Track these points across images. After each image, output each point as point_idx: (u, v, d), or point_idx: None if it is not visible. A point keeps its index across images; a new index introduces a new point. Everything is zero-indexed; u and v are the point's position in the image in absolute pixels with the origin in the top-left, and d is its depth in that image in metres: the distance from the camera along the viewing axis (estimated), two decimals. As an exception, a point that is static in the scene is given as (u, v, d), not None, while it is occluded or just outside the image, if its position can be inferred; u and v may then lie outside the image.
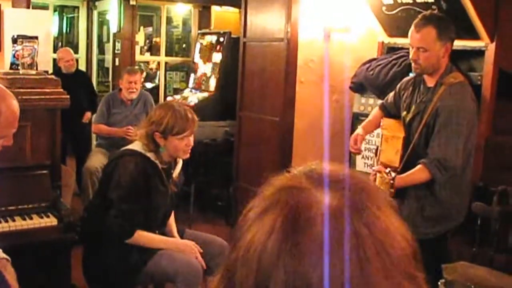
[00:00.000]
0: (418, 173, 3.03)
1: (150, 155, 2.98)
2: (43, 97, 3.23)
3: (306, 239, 0.63)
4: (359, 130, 3.51)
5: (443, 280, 2.97)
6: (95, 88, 7.25)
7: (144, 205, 2.96)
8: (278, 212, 0.66)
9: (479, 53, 3.68)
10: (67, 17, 9.30)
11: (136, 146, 3.03)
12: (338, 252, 0.62)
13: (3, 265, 2.35)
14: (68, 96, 3.26)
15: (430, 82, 3.17)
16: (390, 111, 3.47)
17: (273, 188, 0.70)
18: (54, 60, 6.24)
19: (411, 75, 3.69)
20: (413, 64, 3.15)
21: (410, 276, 0.66)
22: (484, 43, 3.62)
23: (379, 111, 3.52)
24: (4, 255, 2.43)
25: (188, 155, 3.06)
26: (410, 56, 3.15)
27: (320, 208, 0.65)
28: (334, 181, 0.68)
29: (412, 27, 3.12)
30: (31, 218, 3.10)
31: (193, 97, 7.12)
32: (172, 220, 3.36)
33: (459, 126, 3.02)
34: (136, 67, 8.00)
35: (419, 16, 3.15)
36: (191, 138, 3.02)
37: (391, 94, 3.48)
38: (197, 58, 7.55)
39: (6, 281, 2.23)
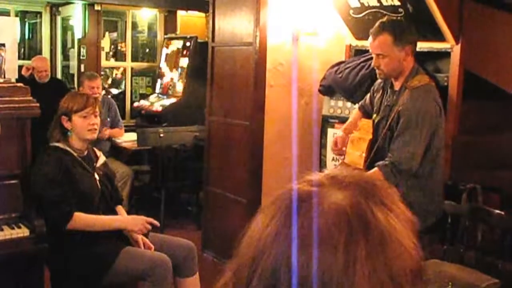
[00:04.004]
0: (373, 176, 3.06)
1: (59, 144, 3.19)
2: (11, 105, 3.17)
3: (305, 224, 0.65)
4: (340, 132, 3.55)
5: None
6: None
7: (70, 189, 3.06)
8: (284, 200, 0.69)
9: (445, 55, 3.75)
10: (29, 23, 9.10)
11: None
12: (329, 242, 0.64)
13: None
14: (37, 105, 3.21)
15: (397, 85, 3.24)
16: (368, 111, 3.52)
17: (282, 189, 0.73)
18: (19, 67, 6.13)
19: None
20: (377, 70, 3.22)
21: (414, 279, 0.68)
22: (449, 44, 3.69)
23: (359, 112, 3.58)
24: None
25: (94, 135, 3.25)
26: (372, 63, 3.22)
27: (324, 197, 0.68)
28: (346, 180, 0.71)
29: (370, 35, 3.18)
30: (1, 230, 3.02)
31: (160, 103, 7.08)
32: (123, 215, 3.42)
33: (419, 130, 3.06)
34: (102, 73, 7.95)
35: (376, 23, 3.21)
36: (96, 119, 3.23)
37: (369, 94, 3.55)
38: (163, 64, 7.52)
39: None
